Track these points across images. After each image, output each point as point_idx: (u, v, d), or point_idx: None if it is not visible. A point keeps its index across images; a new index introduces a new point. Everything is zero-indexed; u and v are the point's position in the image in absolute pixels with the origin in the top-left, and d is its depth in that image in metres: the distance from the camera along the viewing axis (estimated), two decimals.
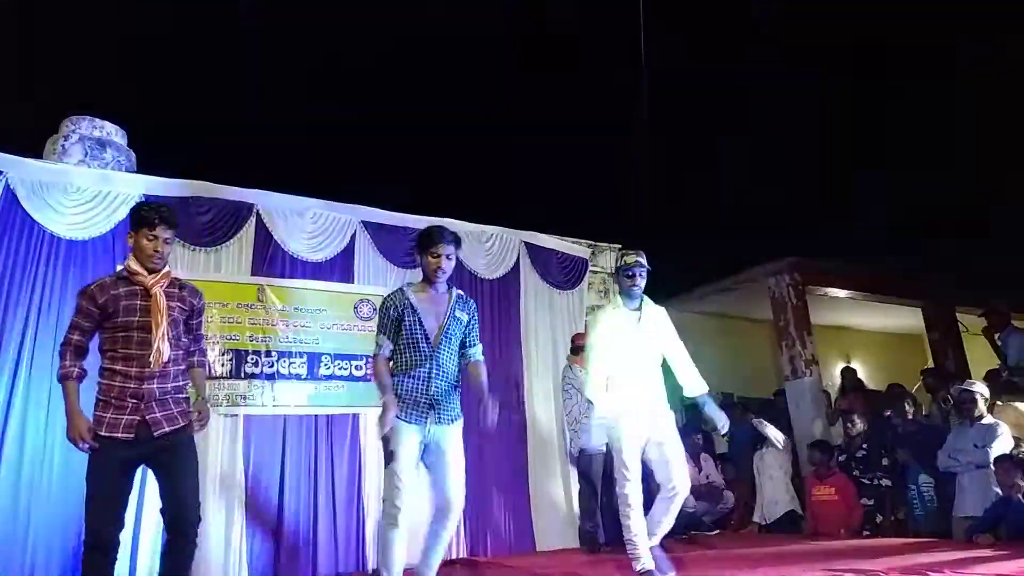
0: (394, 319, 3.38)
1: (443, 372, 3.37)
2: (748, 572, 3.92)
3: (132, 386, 2.99)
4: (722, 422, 4.03)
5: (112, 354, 3.04)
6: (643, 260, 3.93)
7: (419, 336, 3.35)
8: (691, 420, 7.77)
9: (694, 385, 3.98)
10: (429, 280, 3.47)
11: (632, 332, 3.87)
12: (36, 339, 4.41)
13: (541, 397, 6.21)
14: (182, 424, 3.10)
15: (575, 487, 5.90)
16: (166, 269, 3.20)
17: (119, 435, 2.95)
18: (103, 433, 2.94)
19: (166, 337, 3.07)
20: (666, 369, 4.01)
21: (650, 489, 3.87)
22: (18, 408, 4.29)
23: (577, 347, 5.69)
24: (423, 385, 3.32)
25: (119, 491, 2.99)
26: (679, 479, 3.74)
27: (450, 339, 3.42)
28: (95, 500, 2.92)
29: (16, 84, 7.51)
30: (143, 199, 4.89)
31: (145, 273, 3.11)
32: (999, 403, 5.86)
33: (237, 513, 4.71)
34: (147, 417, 2.99)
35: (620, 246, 7.47)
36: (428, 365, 3.33)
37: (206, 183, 5.16)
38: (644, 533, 3.68)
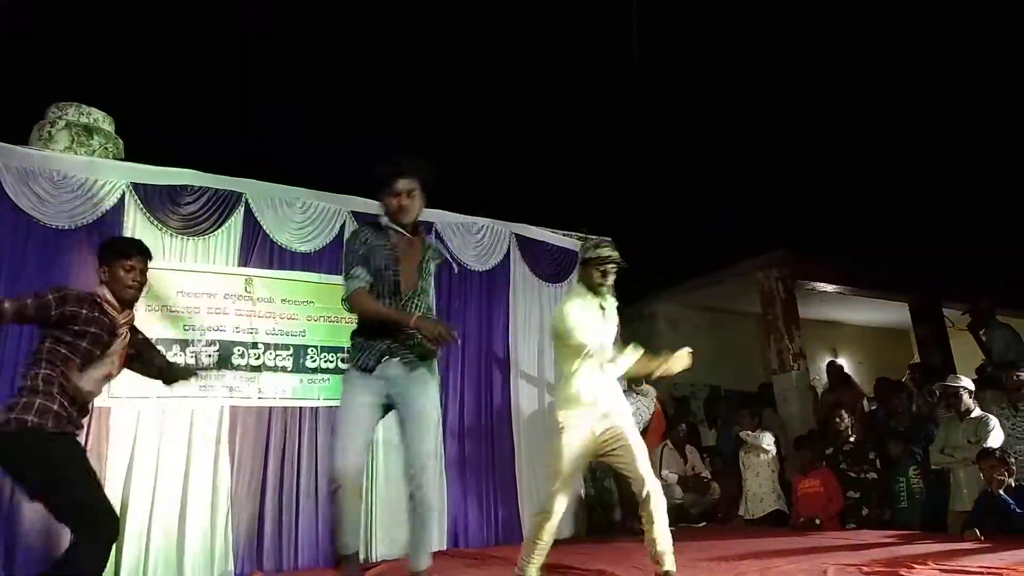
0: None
1: None
2: (733, 563, 3.95)
3: None
4: None
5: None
6: (617, 255, 3.39)
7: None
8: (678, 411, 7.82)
9: (634, 362, 3.48)
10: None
11: (600, 325, 3.40)
12: (22, 329, 4.36)
13: (527, 388, 6.22)
14: None
15: None
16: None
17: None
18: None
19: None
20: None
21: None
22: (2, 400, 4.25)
23: None
24: None
25: None
26: (649, 478, 3.25)
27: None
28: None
29: (2, 70, 7.42)
30: (130, 187, 4.86)
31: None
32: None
33: (222, 504, 4.70)
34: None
35: (611, 239, 7.46)
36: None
37: (194, 171, 5.12)
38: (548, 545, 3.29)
